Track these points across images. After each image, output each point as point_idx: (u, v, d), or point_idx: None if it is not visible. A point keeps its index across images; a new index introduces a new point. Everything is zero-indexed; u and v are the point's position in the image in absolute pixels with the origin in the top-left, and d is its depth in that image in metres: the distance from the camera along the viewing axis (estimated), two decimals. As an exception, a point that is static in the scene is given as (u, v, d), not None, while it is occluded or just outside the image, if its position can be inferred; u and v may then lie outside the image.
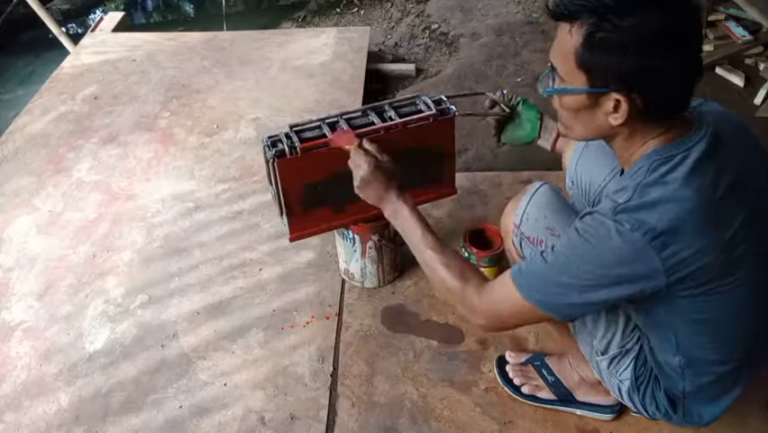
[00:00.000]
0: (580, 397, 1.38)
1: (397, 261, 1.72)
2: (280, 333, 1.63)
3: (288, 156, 1.33)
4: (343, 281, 1.75)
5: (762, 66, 2.68)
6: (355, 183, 1.24)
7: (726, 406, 1.14)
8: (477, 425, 1.39)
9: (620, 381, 1.18)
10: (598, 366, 1.22)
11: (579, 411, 1.38)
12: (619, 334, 1.15)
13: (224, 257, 1.87)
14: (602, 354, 1.18)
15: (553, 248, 0.99)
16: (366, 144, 1.28)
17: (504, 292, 1.01)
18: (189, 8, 4.93)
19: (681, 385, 1.11)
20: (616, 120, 0.91)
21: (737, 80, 2.62)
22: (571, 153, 1.35)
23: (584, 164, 1.30)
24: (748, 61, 2.75)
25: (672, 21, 0.84)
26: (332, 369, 1.53)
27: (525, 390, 1.42)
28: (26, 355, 1.63)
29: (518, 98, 1.43)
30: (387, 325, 1.63)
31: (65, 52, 3.23)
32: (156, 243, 1.95)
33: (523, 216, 1.20)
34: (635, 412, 1.27)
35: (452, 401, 1.44)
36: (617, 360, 1.17)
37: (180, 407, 1.48)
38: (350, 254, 1.65)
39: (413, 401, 1.45)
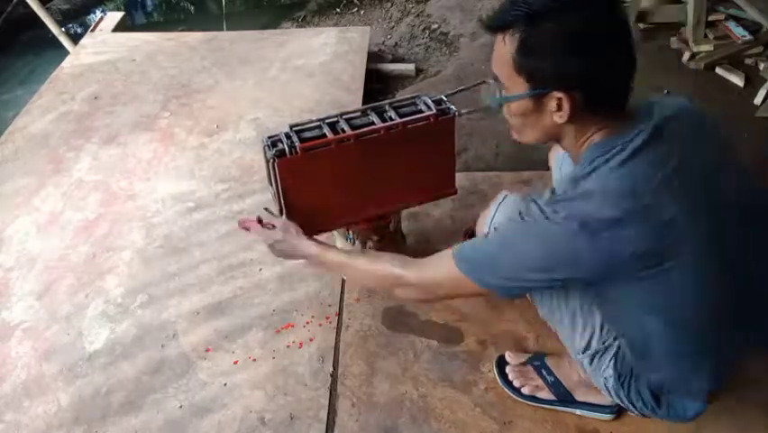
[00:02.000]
0: (579, 397, 1.38)
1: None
2: (280, 333, 1.63)
3: (288, 156, 1.33)
4: (343, 281, 1.75)
5: (762, 66, 2.67)
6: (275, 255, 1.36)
7: (704, 399, 1.15)
8: (477, 425, 1.39)
9: (605, 378, 1.20)
10: (582, 364, 1.23)
11: (579, 411, 1.38)
12: (597, 331, 1.17)
13: (223, 257, 1.87)
14: (583, 352, 1.20)
15: (495, 229, 1.05)
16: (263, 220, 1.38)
17: (443, 266, 1.06)
18: (189, 8, 4.93)
19: (652, 377, 1.13)
20: (561, 118, 0.95)
21: (737, 80, 2.62)
22: (554, 159, 1.41)
23: (567, 169, 1.32)
24: (748, 61, 2.74)
25: (595, 19, 0.90)
26: (332, 369, 1.53)
27: (525, 390, 1.42)
28: (26, 355, 1.63)
29: None
30: (387, 325, 1.63)
31: (65, 52, 3.23)
32: (156, 242, 1.95)
33: (491, 225, 1.25)
34: (630, 411, 1.27)
35: (452, 401, 1.44)
36: (598, 357, 1.19)
37: (180, 407, 1.48)
38: (350, 254, 1.65)
39: (413, 401, 1.45)
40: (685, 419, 1.19)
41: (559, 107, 0.94)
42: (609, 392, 1.22)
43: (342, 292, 1.73)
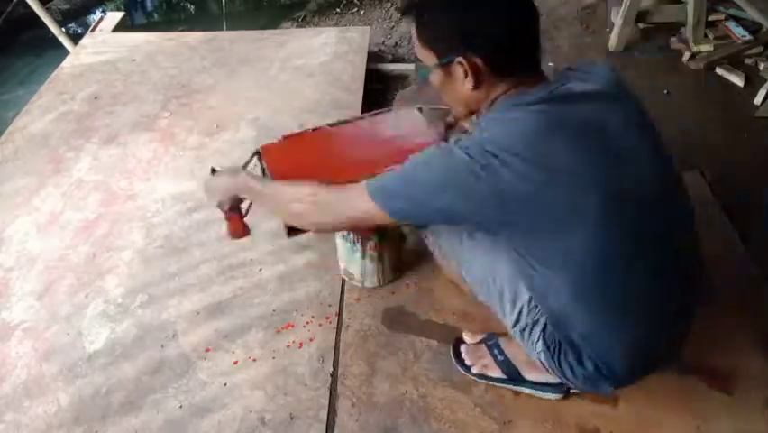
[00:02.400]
0: (527, 376, 1.40)
1: (397, 261, 1.72)
2: (280, 333, 1.63)
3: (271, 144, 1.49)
4: (343, 281, 1.75)
5: (762, 66, 2.68)
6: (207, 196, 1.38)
7: (632, 362, 1.12)
8: (477, 425, 1.39)
9: (537, 352, 1.21)
10: (516, 339, 1.25)
11: (527, 390, 1.41)
12: (525, 305, 1.18)
13: (223, 257, 1.87)
14: (514, 327, 1.22)
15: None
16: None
17: (356, 189, 1.09)
18: (189, 8, 4.93)
19: (573, 342, 1.12)
20: (470, 83, 1.03)
21: (737, 80, 2.62)
22: None
23: None
24: (748, 61, 2.75)
25: None
26: (332, 369, 1.53)
27: (474, 369, 1.46)
28: (26, 355, 1.63)
29: None
30: (387, 325, 1.63)
31: (65, 52, 3.23)
32: (156, 242, 1.95)
33: None
34: (571, 387, 1.29)
35: (452, 401, 1.44)
36: (528, 330, 1.20)
37: (180, 407, 1.48)
38: (350, 254, 1.65)
39: (413, 401, 1.45)
40: (618, 384, 1.17)
41: (465, 74, 1.02)
42: (545, 366, 1.23)
43: (342, 292, 1.73)
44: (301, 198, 1.16)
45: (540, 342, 1.18)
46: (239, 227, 1.41)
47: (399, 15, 1.28)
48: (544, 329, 1.17)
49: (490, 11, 0.99)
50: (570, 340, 1.13)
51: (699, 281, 1.14)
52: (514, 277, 1.16)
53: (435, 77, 1.07)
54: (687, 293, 1.12)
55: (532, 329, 1.19)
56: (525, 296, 1.17)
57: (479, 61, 1.01)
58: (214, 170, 1.39)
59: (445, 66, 1.04)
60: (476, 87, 1.03)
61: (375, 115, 1.65)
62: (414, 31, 1.07)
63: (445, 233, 1.29)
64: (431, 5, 1.03)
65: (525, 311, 1.19)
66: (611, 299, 1.05)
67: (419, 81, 1.24)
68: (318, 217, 1.17)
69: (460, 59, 1.01)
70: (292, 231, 1.45)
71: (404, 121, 1.61)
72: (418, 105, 1.62)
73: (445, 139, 1.55)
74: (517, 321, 1.20)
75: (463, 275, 1.32)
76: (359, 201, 1.07)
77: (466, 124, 1.55)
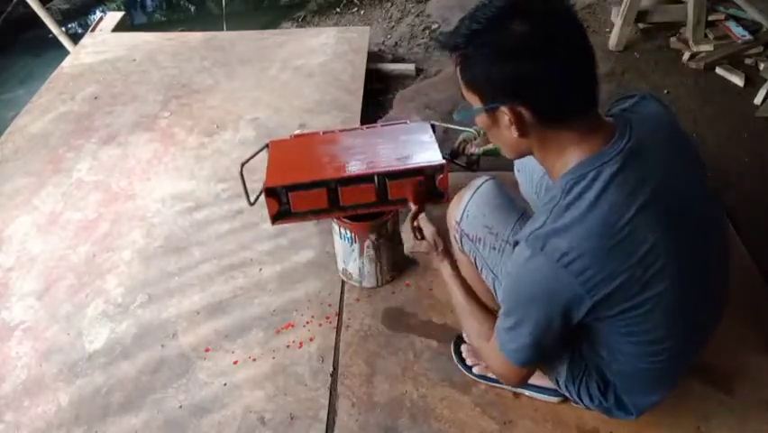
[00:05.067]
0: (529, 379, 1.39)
1: (395, 260, 1.71)
2: (280, 333, 1.63)
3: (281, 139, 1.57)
4: (343, 281, 1.75)
5: (762, 66, 2.68)
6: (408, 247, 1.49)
7: (661, 398, 1.17)
8: (477, 425, 1.39)
9: (557, 372, 1.22)
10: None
11: (527, 392, 1.42)
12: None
13: (223, 257, 1.87)
14: None
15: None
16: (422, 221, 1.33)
17: (502, 362, 1.08)
18: (189, 8, 4.93)
19: (607, 378, 1.15)
20: (514, 133, 0.94)
21: (737, 80, 2.62)
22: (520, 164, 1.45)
23: (549, 182, 1.33)
24: (748, 61, 2.75)
25: (529, 28, 0.86)
26: (332, 369, 1.53)
27: (475, 370, 1.46)
28: (26, 355, 1.63)
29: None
30: (387, 325, 1.63)
31: (65, 52, 3.23)
32: (156, 242, 1.95)
33: (464, 213, 1.27)
34: (573, 402, 1.29)
35: (452, 401, 1.44)
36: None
37: (180, 407, 1.48)
38: (348, 254, 1.65)
39: (413, 401, 1.45)
40: (631, 415, 1.20)
41: (510, 122, 0.93)
42: (558, 383, 1.23)
43: (342, 292, 1.73)
44: (470, 334, 1.22)
45: (564, 370, 1.19)
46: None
47: (440, 49, 1.13)
48: (571, 357, 1.18)
49: (544, 63, 0.87)
50: (601, 372, 1.14)
51: (723, 310, 1.14)
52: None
53: (481, 119, 1.00)
54: (714, 325, 1.13)
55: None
56: None
57: (525, 112, 0.91)
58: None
59: (490, 111, 0.96)
60: (522, 135, 0.94)
61: (389, 124, 1.67)
62: (456, 70, 0.97)
63: (488, 246, 1.26)
64: (481, 51, 0.91)
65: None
66: (658, 356, 1.05)
67: (459, 121, 1.15)
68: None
69: (504, 108, 0.92)
70: (276, 219, 1.46)
71: (414, 134, 1.58)
72: (432, 122, 1.62)
73: (452, 158, 1.55)
74: None
75: (495, 288, 1.30)
76: (502, 364, 1.08)
77: (473, 149, 1.55)
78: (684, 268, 0.95)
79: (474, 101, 0.97)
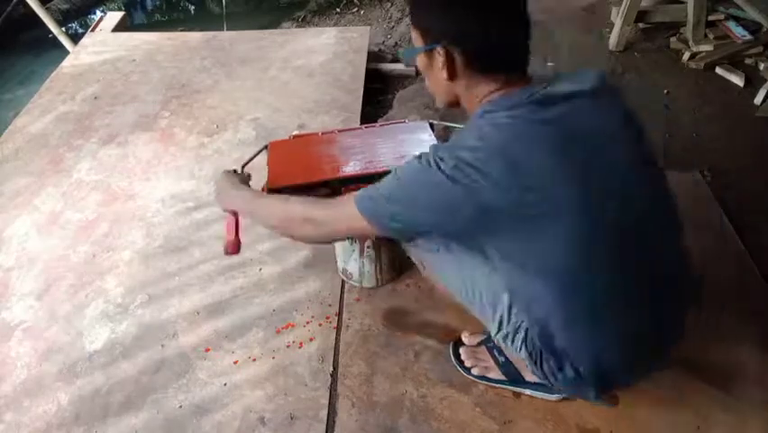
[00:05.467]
0: (528, 377, 1.40)
1: (395, 261, 1.72)
2: (280, 333, 1.63)
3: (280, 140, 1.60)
4: (343, 281, 1.75)
5: (762, 66, 2.68)
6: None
7: (633, 376, 1.17)
8: (477, 425, 1.39)
9: (523, 358, 1.20)
10: (501, 345, 1.25)
11: (528, 391, 1.42)
12: (506, 313, 1.18)
13: (223, 256, 1.86)
14: (496, 334, 1.22)
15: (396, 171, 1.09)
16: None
17: (346, 205, 1.09)
18: (189, 8, 4.93)
19: (556, 349, 1.12)
20: (444, 74, 1.03)
21: (737, 80, 2.63)
22: None
23: None
24: (748, 61, 2.75)
25: None
26: (332, 369, 1.53)
27: (474, 371, 1.46)
28: (26, 355, 1.63)
29: None
30: (387, 325, 1.63)
31: (65, 52, 3.23)
32: (156, 242, 1.95)
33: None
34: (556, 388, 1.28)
35: (452, 401, 1.44)
36: (510, 338, 1.20)
37: (180, 407, 1.48)
38: (348, 254, 1.66)
39: (413, 401, 1.45)
40: (591, 396, 1.18)
41: (443, 64, 1.02)
42: (534, 372, 1.22)
43: (342, 292, 1.73)
44: (293, 217, 1.18)
45: (523, 349, 1.18)
46: (231, 242, 1.37)
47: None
48: (525, 336, 1.17)
49: (481, 12, 0.99)
50: (550, 347, 1.13)
51: (684, 284, 1.13)
52: (493, 285, 1.16)
53: (419, 60, 1.09)
54: (670, 298, 1.10)
55: (514, 336, 1.19)
56: (504, 304, 1.17)
57: (457, 55, 1.01)
58: (235, 171, 1.43)
59: (428, 52, 1.05)
60: (451, 78, 1.04)
61: (388, 123, 1.68)
62: (409, 8, 1.09)
63: (422, 246, 1.27)
64: None
65: (505, 319, 1.18)
66: (587, 303, 1.04)
67: (404, 62, 1.25)
68: (313, 234, 1.18)
69: (440, 48, 1.02)
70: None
71: (413, 133, 1.62)
72: (430, 121, 1.64)
73: None
74: (500, 329, 1.20)
75: (446, 286, 1.30)
76: (349, 217, 1.08)
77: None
78: (588, 202, 0.95)
79: (418, 42, 1.07)
